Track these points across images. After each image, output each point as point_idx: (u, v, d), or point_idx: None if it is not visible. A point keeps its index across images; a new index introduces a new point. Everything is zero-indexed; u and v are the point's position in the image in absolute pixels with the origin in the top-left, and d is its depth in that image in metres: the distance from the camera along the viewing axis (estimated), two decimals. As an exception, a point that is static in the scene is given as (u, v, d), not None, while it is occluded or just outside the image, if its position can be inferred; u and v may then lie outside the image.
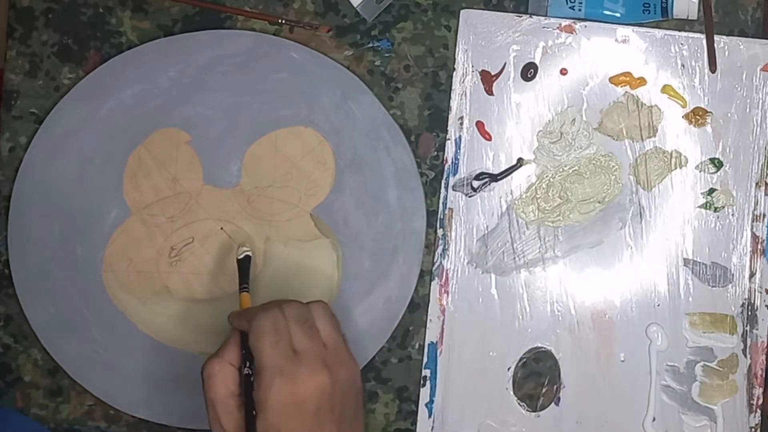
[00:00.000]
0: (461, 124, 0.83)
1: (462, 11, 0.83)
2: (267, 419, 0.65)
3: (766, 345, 0.82)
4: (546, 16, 0.83)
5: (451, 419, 0.82)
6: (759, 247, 0.82)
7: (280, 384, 0.65)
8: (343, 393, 0.68)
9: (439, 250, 0.82)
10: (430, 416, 0.82)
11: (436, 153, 0.84)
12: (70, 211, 0.83)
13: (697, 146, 0.83)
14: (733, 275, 0.82)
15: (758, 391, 0.81)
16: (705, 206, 0.82)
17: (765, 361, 0.81)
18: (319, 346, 0.68)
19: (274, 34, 0.85)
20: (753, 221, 0.82)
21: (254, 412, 0.66)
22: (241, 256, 0.77)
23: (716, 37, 0.82)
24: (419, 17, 0.85)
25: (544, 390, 0.82)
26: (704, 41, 0.82)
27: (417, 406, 0.82)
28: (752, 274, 0.82)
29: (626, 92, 0.83)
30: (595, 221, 0.83)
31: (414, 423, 0.82)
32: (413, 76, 0.84)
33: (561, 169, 0.83)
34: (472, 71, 0.83)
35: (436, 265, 0.82)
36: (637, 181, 0.82)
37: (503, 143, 0.83)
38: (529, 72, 0.83)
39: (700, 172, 0.83)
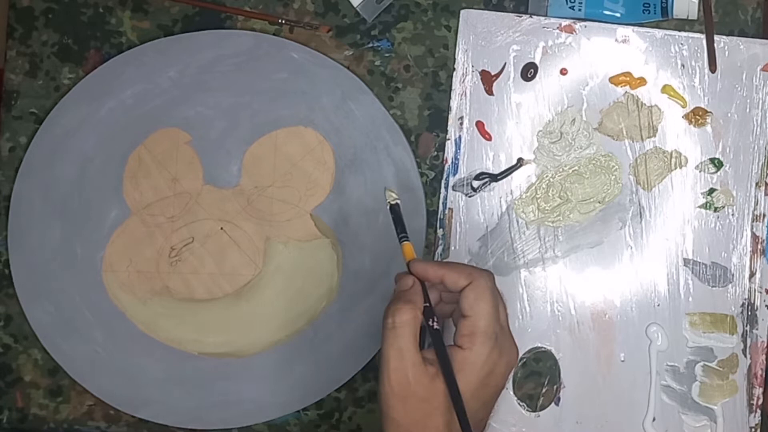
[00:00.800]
0: (461, 124, 0.83)
1: (462, 11, 0.83)
2: (467, 380, 0.63)
3: (766, 345, 0.82)
4: (546, 16, 0.83)
5: (451, 419, 0.82)
6: (759, 247, 0.82)
7: (491, 350, 0.64)
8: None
9: (439, 250, 0.82)
10: (430, 416, 0.82)
11: (436, 153, 0.84)
12: (70, 211, 0.83)
13: (697, 146, 0.83)
14: (733, 275, 0.82)
15: (758, 391, 0.81)
16: (705, 206, 0.82)
17: (765, 361, 0.81)
18: (507, 323, 0.68)
19: (274, 34, 0.85)
20: (753, 221, 0.82)
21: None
22: (393, 202, 0.72)
23: (716, 37, 0.82)
24: (419, 17, 0.85)
25: (544, 390, 0.82)
26: (704, 41, 0.82)
27: (417, 406, 0.82)
28: (752, 274, 0.82)
29: (626, 92, 0.83)
30: (595, 221, 0.83)
31: (414, 423, 0.82)
32: (413, 76, 0.84)
33: (561, 169, 0.83)
34: (472, 71, 0.83)
35: (436, 265, 0.82)
36: (637, 181, 0.82)
37: (503, 143, 0.83)
38: (529, 72, 0.83)
39: (700, 172, 0.83)
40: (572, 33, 0.83)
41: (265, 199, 0.83)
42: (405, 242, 0.70)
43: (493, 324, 0.65)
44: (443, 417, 0.63)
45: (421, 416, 0.63)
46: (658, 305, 0.82)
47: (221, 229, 0.83)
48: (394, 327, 0.64)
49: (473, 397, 0.64)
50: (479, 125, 0.83)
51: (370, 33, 0.85)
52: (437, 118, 0.84)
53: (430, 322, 0.65)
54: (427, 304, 0.66)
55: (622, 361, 0.82)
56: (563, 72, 0.83)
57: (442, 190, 0.83)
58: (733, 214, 0.82)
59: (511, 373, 0.81)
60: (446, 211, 0.83)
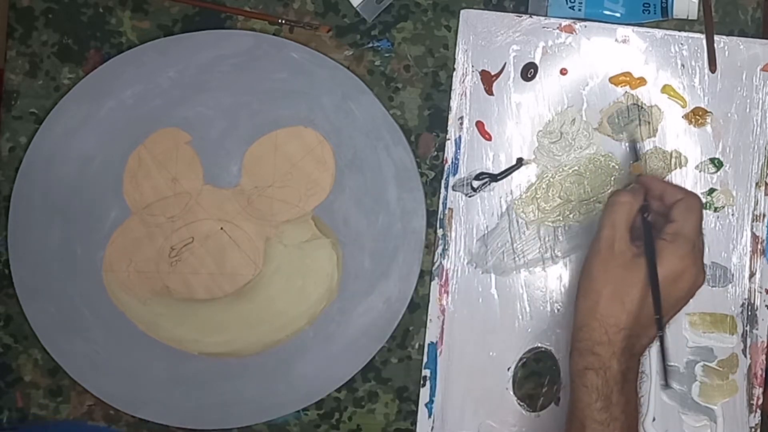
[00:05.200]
0: (461, 124, 0.83)
1: (462, 11, 0.83)
2: (663, 267, 0.71)
3: (766, 345, 0.82)
4: (546, 16, 0.83)
5: (451, 419, 0.82)
6: (759, 247, 0.82)
7: (688, 253, 0.71)
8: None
9: (439, 250, 0.82)
10: (430, 416, 0.82)
11: (436, 153, 0.84)
12: (70, 211, 0.83)
13: (697, 146, 0.83)
14: (733, 275, 0.82)
15: (758, 391, 0.81)
16: (705, 206, 0.82)
17: (765, 361, 0.81)
18: (701, 253, 0.75)
19: (274, 34, 0.85)
20: (753, 221, 0.82)
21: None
22: (633, 139, 0.82)
23: (716, 37, 0.82)
24: (419, 17, 0.85)
25: (544, 390, 0.82)
26: (704, 41, 0.82)
27: (417, 406, 0.82)
28: (752, 274, 0.82)
29: (626, 92, 0.83)
30: (595, 221, 0.83)
31: (414, 423, 0.82)
32: (413, 76, 0.84)
33: (561, 169, 0.83)
34: (472, 71, 0.83)
35: (436, 265, 0.82)
36: (637, 181, 0.82)
37: (503, 143, 0.83)
38: (529, 72, 0.83)
39: (700, 172, 0.83)
40: (572, 33, 0.83)
41: (265, 199, 0.83)
42: (636, 163, 0.82)
43: (695, 233, 0.72)
44: (638, 291, 0.71)
45: (617, 283, 0.71)
46: (658, 305, 0.82)
47: (221, 229, 0.83)
48: (613, 204, 0.73)
49: (664, 284, 0.71)
50: (479, 125, 0.83)
51: (370, 33, 0.85)
52: (437, 118, 0.84)
53: (645, 215, 0.73)
54: (646, 203, 0.74)
55: (622, 361, 0.82)
56: (563, 72, 0.83)
57: (442, 190, 0.83)
58: (733, 214, 0.82)
59: (511, 373, 0.81)
60: (446, 211, 0.83)
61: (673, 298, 0.72)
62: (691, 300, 0.73)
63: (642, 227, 0.73)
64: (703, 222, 0.74)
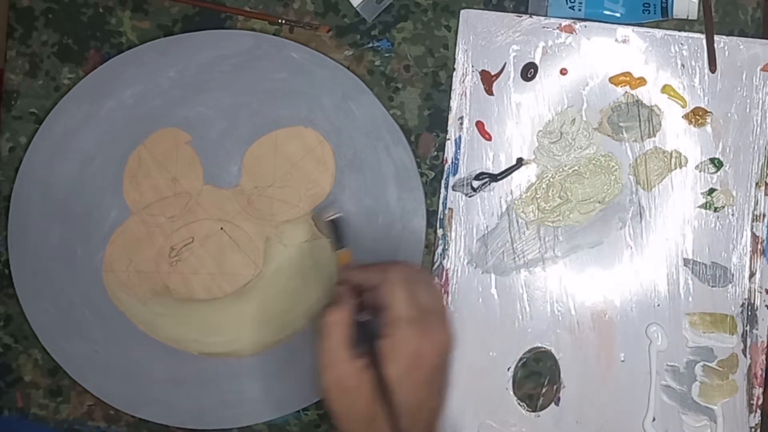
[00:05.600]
0: (461, 124, 0.83)
1: (462, 11, 0.83)
2: (394, 367, 0.67)
3: (766, 345, 0.82)
4: (546, 16, 0.83)
5: (451, 419, 0.81)
6: (759, 247, 0.82)
7: (413, 334, 0.67)
8: (452, 355, 0.70)
9: (439, 250, 0.82)
10: (430, 416, 0.82)
11: (436, 153, 0.84)
12: (70, 211, 0.83)
13: (697, 146, 0.83)
14: (733, 275, 0.82)
15: (758, 391, 0.81)
16: (705, 206, 0.82)
17: (765, 361, 0.81)
18: (441, 305, 0.72)
19: (274, 34, 0.85)
20: (753, 221, 0.82)
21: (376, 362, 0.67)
22: (334, 217, 0.78)
23: (716, 37, 0.82)
24: (419, 17, 0.85)
25: (544, 390, 0.82)
26: (704, 41, 0.82)
27: (417, 406, 0.82)
28: (752, 274, 0.82)
29: (626, 92, 0.83)
30: (595, 221, 0.83)
31: (414, 423, 0.82)
32: (413, 76, 0.84)
33: (561, 169, 0.83)
34: (472, 71, 0.83)
35: (436, 265, 0.82)
36: (637, 181, 0.83)
37: (503, 143, 0.83)
38: (529, 72, 0.83)
39: (700, 172, 0.83)
40: (572, 33, 0.83)
41: (265, 199, 0.83)
42: (343, 250, 0.76)
43: (408, 309, 0.68)
44: (375, 406, 0.66)
45: (358, 407, 0.67)
46: (658, 305, 0.82)
47: (221, 229, 0.83)
48: (322, 328, 0.68)
49: (402, 381, 0.67)
50: (479, 125, 0.83)
51: (370, 33, 0.85)
52: (437, 118, 0.84)
53: (358, 317, 0.68)
54: (359, 300, 0.69)
55: (622, 361, 0.82)
56: (563, 72, 0.83)
57: (442, 190, 0.83)
58: (733, 214, 0.82)
59: (511, 373, 0.81)
60: (446, 211, 0.83)
61: (416, 385, 0.67)
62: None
63: (358, 334, 0.68)
64: (427, 278, 0.73)
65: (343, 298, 0.70)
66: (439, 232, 0.83)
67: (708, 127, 0.83)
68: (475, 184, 0.83)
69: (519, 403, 0.82)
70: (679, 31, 0.83)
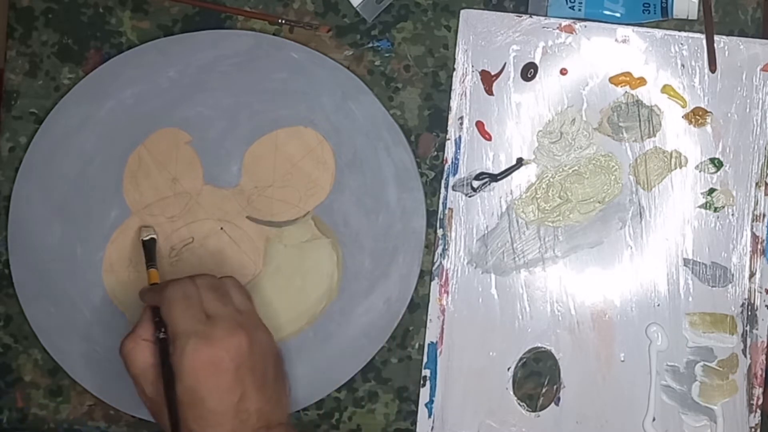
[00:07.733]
0: (461, 124, 0.83)
1: (462, 11, 0.83)
2: (184, 381, 0.68)
3: (766, 345, 0.82)
4: (546, 16, 0.83)
5: (451, 419, 0.82)
6: (759, 247, 0.82)
7: (195, 345, 0.68)
8: (262, 354, 0.71)
9: (439, 250, 0.82)
10: (430, 416, 0.82)
11: (436, 153, 0.84)
12: (70, 211, 0.83)
13: (697, 146, 0.83)
14: (733, 275, 0.82)
15: (758, 391, 0.81)
16: (705, 206, 0.82)
17: (765, 361, 0.81)
18: (232, 310, 0.72)
19: (274, 34, 0.85)
20: (753, 221, 0.82)
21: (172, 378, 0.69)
22: (147, 238, 0.81)
23: (716, 37, 0.82)
24: (419, 17, 0.85)
25: (544, 390, 0.82)
26: (704, 41, 0.82)
27: (417, 406, 0.82)
28: (752, 274, 0.82)
29: (626, 92, 0.83)
30: (595, 221, 0.83)
31: (414, 423, 0.82)
32: (413, 76, 0.84)
33: (561, 169, 0.83)
34: (472, 71, 0.83)
35: (436, 265, 0.82)
36: (637, 181, 0.83)
37: (503, 143, 0.83)
38: (529, 72, 0.83)
39: (700, 172, 0.83)
40: (572, 33, 0.83)
41: (265, 199, 0.83)
42: (152, 270, 0.78)
43: (187, 323, 0.69)
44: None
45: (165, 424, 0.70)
46: (658, 305, 0.82)
47: (221, 229, 0.83)
48: (125, 357, 0.71)
49: (200, 392, 0.68)
50: (479, 125, 0.83)
51: (370, 33, 0.85)
52: (437, 118, 0.84)
53: (160, 334, 0.71)
54: (157, 319, 0.71)
55: (622, 361, 0.82)
56: (563, 72, 0.83)
57: (442, 190, 0.83)
58: (733, 214, 0.82)
59: (511, 373, 0.81)
60: (446, 211, 0.83)
61: (223, 390, 0.69)
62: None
63: (158, 353, 0.71)
64: (217, 283, 0.73)
65: (140, 323, 0.72)
66: (439, 232, 0.83)
67: (708, 127, 0.83)
68: (475, 184, 0.83)
69: (519, 403, 0.82)
70: (679, 31, 0.83)
